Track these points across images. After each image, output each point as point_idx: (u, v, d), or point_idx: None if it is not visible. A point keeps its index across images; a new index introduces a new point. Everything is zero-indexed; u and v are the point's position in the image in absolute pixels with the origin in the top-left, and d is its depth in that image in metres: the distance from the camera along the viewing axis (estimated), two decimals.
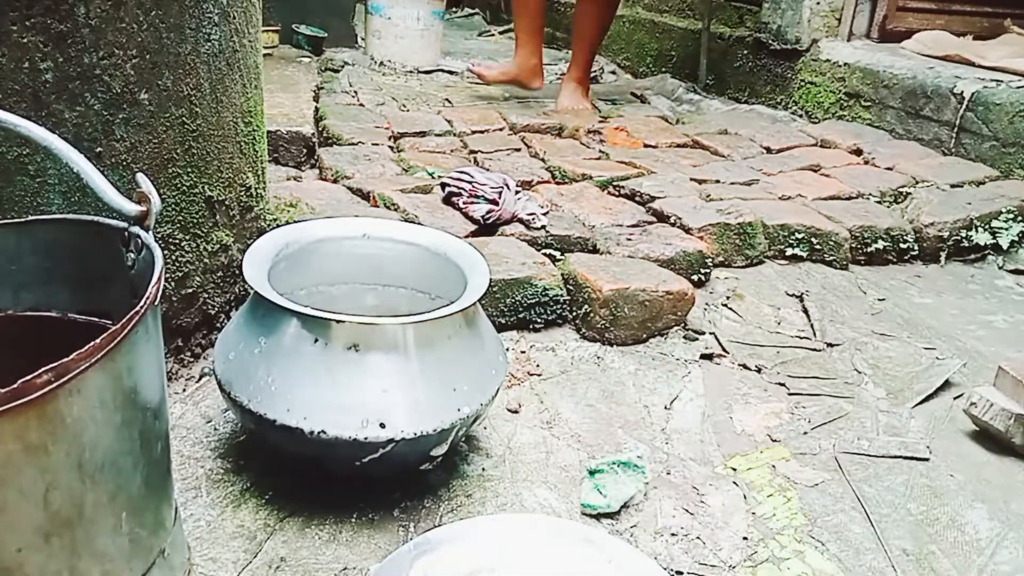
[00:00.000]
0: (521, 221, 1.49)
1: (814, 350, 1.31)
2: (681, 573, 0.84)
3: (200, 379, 1.08)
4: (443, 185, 1.58)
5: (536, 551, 0.77)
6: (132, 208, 0.68)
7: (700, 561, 0.86)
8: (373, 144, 1.98)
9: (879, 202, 1.82)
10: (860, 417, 1.13)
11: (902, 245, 1.68)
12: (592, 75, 2.87)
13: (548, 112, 2.49)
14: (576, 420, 1.09)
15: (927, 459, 1.05)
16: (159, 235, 0.99)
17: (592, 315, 1.27)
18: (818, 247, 1.62)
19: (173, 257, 1.02)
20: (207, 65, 1.01)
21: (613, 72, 3.48)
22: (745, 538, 0.90)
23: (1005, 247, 1.71)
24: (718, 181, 1.89)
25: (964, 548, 0.91)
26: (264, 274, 0.89)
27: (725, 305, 1.43)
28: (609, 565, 0.77)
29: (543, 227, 1.47)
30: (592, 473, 0.94)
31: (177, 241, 1.02)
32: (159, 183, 0.97)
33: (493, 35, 4.57)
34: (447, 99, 2.63)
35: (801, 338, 1.35)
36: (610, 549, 0.78)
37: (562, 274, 1.32)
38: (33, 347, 0.69)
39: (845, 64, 2.49)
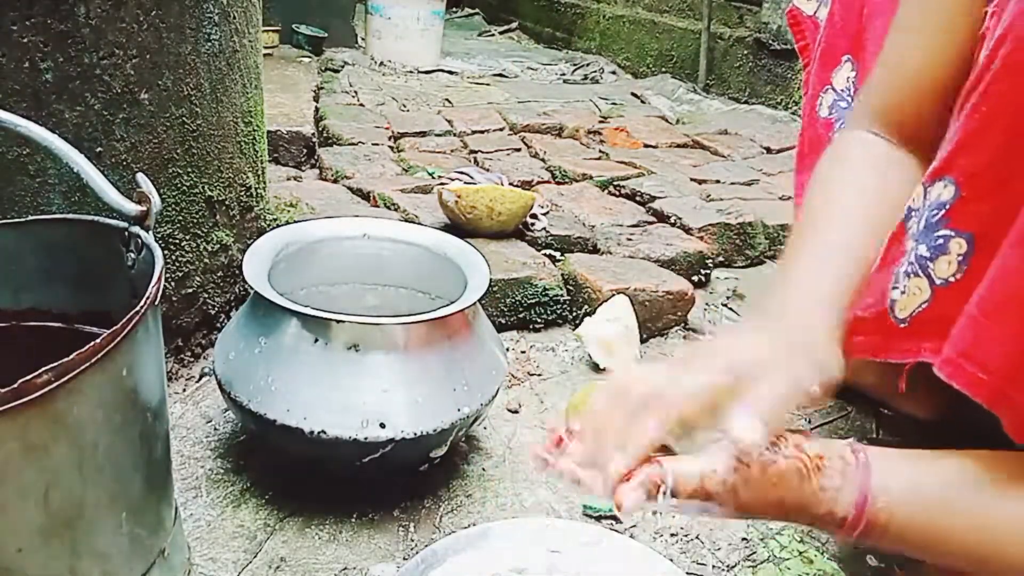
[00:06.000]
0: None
1: None
2: None
3: (200, 379, 1.08)
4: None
5: (545, 556, 0.77)
6: (132, 208, 0.68)
7: (699, 561, 0.86)
8: (373, 144, 1.98)
9: None
10: (861, 416, 1.13)
11: None
12: (592, 75, 2.85)
13: None
14: None
15: None
16: (159, 235, 0.99)
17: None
18: None
19: (173, 257, 1.02)
20: (207, 65, 1.01)
21: (613, 72, 3.48)
22: (744, 538, 0.89)
23: None
24: (718, 181, 1.89)
25: None
26: (264, 274, 0.89)
27: (725, 305, 1.43)
28: (618, 565, 0.77)
29: (543, 228, 1.47)
30: None
31: (177, 241, 1.02)
32: (159, 183, 0.97)
33: (493, 35, 4.57)
34: (447, 99, 2.63)
35: None
36: (616, 551, 0.78)
37: (562, 274, 1.32)
38: (33, 348, 0.70)
39: None
